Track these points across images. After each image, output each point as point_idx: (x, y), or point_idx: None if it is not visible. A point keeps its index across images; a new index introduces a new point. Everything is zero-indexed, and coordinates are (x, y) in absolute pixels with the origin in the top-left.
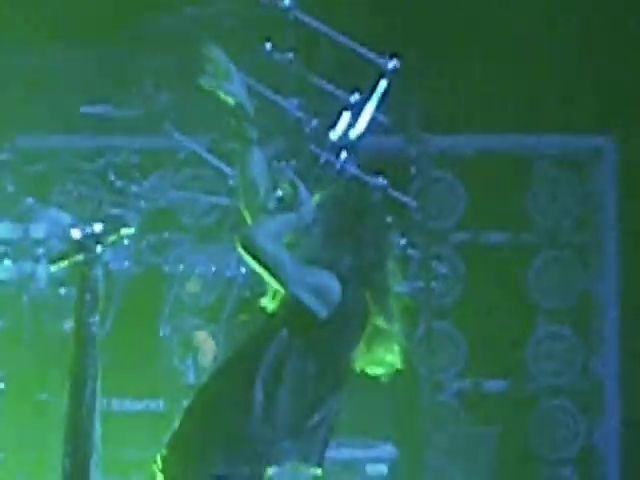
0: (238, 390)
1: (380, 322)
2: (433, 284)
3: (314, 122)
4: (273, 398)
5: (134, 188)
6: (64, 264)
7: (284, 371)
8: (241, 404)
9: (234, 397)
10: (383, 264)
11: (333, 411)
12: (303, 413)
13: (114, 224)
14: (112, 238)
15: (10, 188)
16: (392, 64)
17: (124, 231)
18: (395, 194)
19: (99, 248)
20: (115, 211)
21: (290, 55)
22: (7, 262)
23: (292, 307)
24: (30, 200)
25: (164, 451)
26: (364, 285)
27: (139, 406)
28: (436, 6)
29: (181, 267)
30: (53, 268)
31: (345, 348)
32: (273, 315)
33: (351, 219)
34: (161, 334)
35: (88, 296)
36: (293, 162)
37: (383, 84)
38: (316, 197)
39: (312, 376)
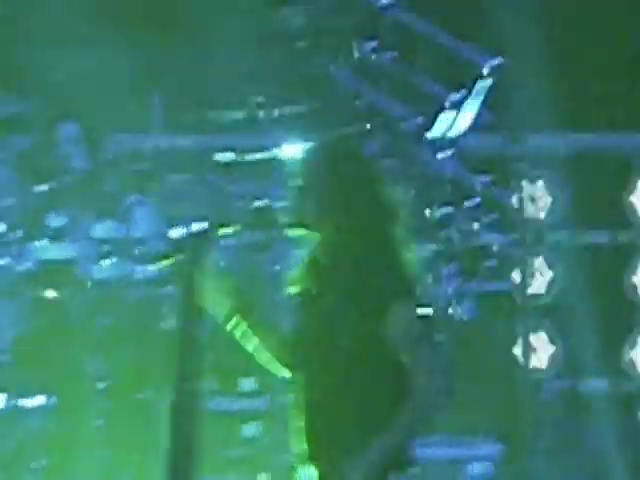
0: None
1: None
2: (531, 282)
3: (416, 120)
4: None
5: (234, 188)
6: (165, 263)
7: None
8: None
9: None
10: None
11: None
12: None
13: (215, 224)
14: (213, 237)
15: (111, 187)
16: (495, 62)
17: (223, 230)
18: (496, 192)
19: (200, 247)
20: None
21: (392, 53)
22: (109, 261)
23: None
24: (131, 199)
25: (312, 445)
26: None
27: (242, 405)
28: (535, 4)
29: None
30: (154, 267)
31: None
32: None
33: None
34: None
35: (191, 295)
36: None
37: (485, 82)
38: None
39: None
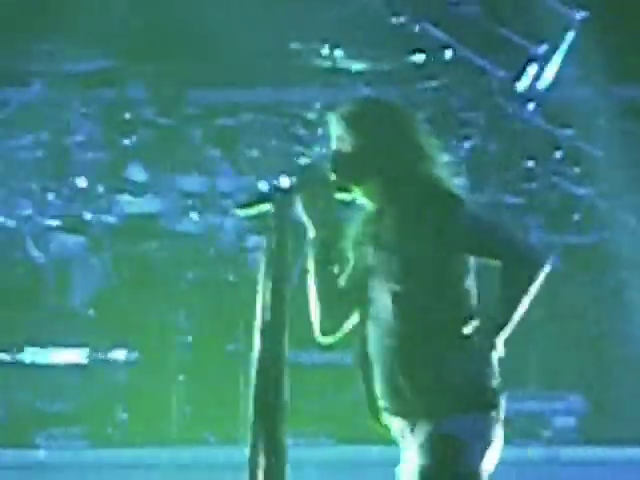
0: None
1: None
2: (621, 235)
3: (501, 73)
4: None
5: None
6: (252, 212)
7: None
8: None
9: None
10: None
11: None
12: None
13: (304, 176)
14: (301, 190)
15: (197, 141)
16: (580, 15)
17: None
18: (583, 146)
19: (288, 200)
20: (305, 162)
21: (477, 7)
22: (194, 215)
23: None
24: (217, 153)
25: (394, 395)
26: None
27: (325, 358)
28: None
29: None
30: (240, 214)
31: None
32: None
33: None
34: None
35: (276, 248)
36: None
37: (571, 35)
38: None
39: None
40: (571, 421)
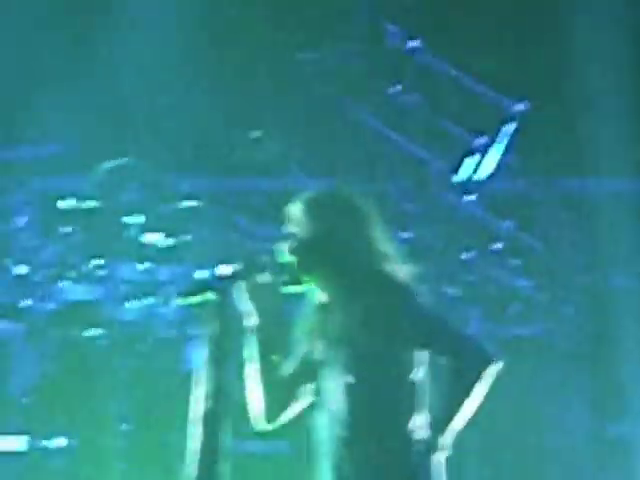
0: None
1: None
2: (561, 327)
3: (439, 164)
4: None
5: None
6: (194, 300)
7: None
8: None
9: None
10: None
11: None
12: None
13: (250, 263)
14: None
15: (136, 230)
16: (520, 107)
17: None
18: (522, 236)
19: (230, 288)
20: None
21: (417, 97)
22: (134, 302)
23: None
24: (159, 242)
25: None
26: None
27: (266, 448)
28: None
29: None
30: (181, 302)
31: None
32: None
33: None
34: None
35: (217, 336)
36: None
37: (510, 127)
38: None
39: None
40: None
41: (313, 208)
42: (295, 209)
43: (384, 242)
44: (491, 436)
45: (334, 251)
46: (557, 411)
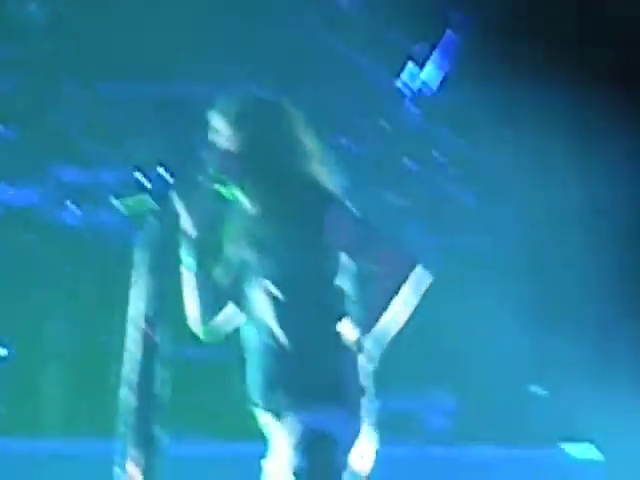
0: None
1: None
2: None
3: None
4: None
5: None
6: (130, 203)
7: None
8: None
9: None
10: None
11: None
12: None
13: (183, 173)
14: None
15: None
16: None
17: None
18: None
19: (167, 193)
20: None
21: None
22: (74, 208)
23: None
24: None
25: (267, 391)
26: None
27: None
28: None
29: None
30: (118, 205)
31: None
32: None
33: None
34: None
35: (156, 242)
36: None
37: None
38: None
39: None
40: (442, 421)
41: (235, 117)
42: (215, 118)
43: (311, 149)
44: (421, 344)
45: (259, 160)
46: (489, 321)
